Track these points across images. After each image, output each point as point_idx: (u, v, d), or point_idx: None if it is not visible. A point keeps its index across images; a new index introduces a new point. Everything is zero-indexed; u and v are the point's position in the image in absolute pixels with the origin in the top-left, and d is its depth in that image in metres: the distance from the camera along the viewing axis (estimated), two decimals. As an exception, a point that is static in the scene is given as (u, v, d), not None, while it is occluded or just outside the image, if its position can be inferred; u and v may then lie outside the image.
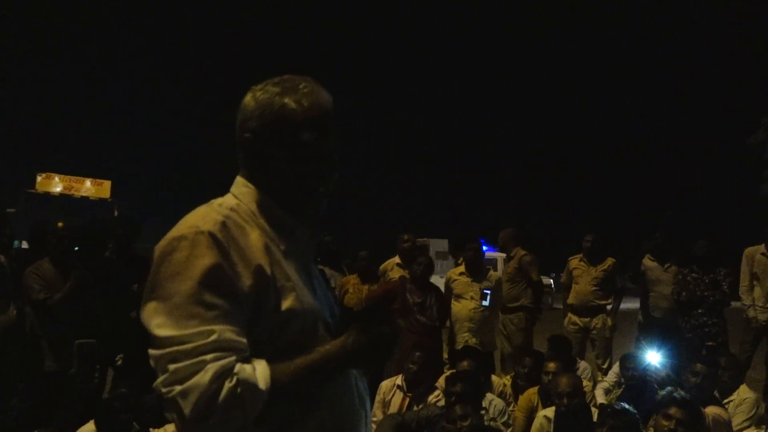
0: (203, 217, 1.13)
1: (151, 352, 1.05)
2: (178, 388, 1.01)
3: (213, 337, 1.03)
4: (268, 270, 1.12)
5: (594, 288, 6.15)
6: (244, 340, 1.07)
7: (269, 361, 1.07)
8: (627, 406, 3.06)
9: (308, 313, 1.16)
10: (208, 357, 1.01)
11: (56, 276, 3.92)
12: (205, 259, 1.06)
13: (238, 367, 1.03)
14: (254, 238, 1.14)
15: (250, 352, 1.07)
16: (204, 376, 1.00)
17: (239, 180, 1.24)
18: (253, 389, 1.03)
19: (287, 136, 1.18)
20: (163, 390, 1.03)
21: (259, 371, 1.05)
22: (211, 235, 1.08)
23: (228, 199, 1.21)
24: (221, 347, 1.03)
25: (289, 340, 1.12)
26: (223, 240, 1.09)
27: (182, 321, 1.03)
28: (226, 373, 1.02)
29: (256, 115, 1.19)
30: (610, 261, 6.24)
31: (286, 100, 1.18)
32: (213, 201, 1.21)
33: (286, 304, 1.13)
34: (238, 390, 1.02)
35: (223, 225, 1.11)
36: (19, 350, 4.03)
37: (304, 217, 1.24)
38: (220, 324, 1.04)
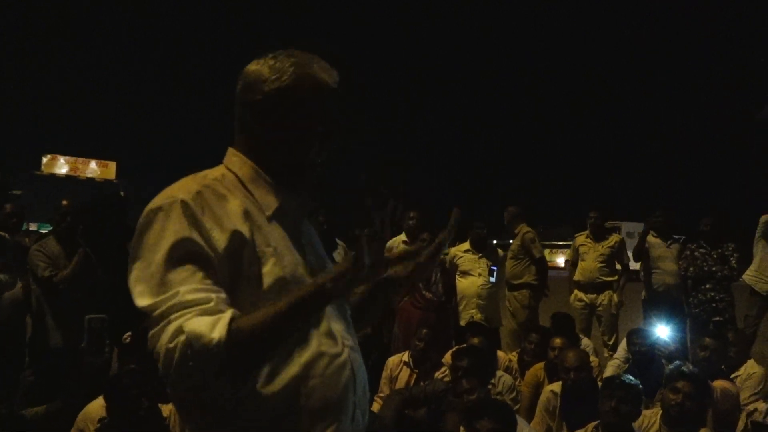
0: (180, 187, 1.17)
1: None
2: (155, 349, 1.04)
3: (176, 299, 1.04)
4: (247, 235, 1.14)
5: (600, 265, 6.14)
6: (213, 295, 1.06)
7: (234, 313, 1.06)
8: (631, 378, 3.06)
9: (290, 278, 1.16)
10: (172, 317, 1.03)
11: (61, 253, 3.94)
12: (177, 227, 1.09)
13: (190, 321, 1.02)
14: (234, 205, 1.17)
15: (224, 305, 1.06)
16: (164, 337, 1.02)
17: (230, 150, 1.29)
18: (200, 339, 1.00)
19: (296, 102, 1.23)
20: (153, 356, 1.06)
21: (214, 321, 1.02)
22: (183, 203, 1.12)
23: (215, 170, 1.25)
24: (183, 306, 1.03)
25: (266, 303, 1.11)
26: (195, 208, 1.12)
27: (155, 289, 1.06)
28: (179, 329, 1.02)
29: (272, 78, 1.23)
30: (615, 238, 6.22)
31: (299, 70, 1.24)
32: (201, 172, 1.24)
33: (265, 269, 1.14)
34: (187, 342, 1.00)
35: (198, 194, 1.14)
36: (26, 326, 4.07)
37: (298, 184, 1.28)
38: (187, 285, 1.06)
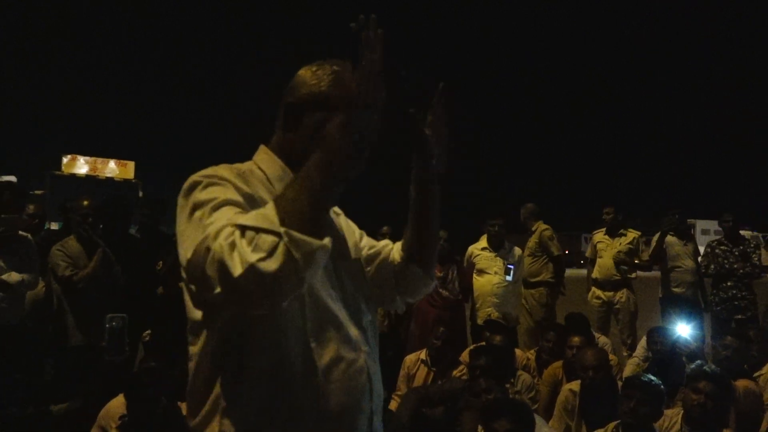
0: (217, 168, 1.18)
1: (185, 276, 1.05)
2: (199, 273, 0.97)
3: (211, 228, 0.98)
4: None
5: (611, 261, 6.09)
6: (244, 207, 1.06)
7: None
8: (653, 378, 3.02)
9: (312, 283, 1.11)
10: (210, 238, 0.96)
11: (81, 253, 3.99)
12: (219, 190, 1.09)
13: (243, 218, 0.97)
14: (261, 198, 1.16)
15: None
16: (219, 238, 0.95)
17: (261, 148, 1.30)
18: (265, 223, 0.94)
19: (330, 110, 1.20)
20: (196, 291, 1.03)
21: (267, 212, 0.97)
22: (223, 177, 1.13)
23: (244, 165, 1.26)
24: (222, 226, 0.97)
25: None
26: (234, 180, 1.13)
27: (199, 237, 1.00)
28: (233, 228, 0.96)
29: (310, 83, 1.25)
30: (633, 234, 6.14)
31: (338, 80, 1.24)
32: (232, 165, 1.24)
33: None
34: (249, 231, 0.94)
35: (236, 174, 1.16)
36: (47, 325, 4.13)
37: None
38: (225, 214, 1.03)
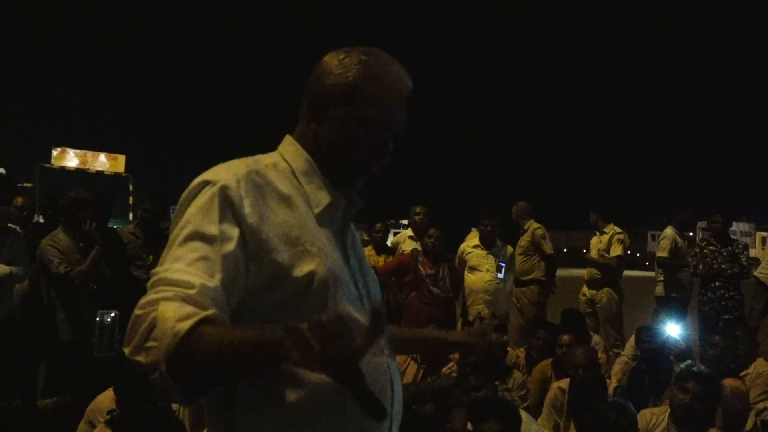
0: (228, 168, 1.11)
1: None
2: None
3: (164, 274, 0.97)
4: (292, 231, 1.09)
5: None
6: (198, 281, 0.96)
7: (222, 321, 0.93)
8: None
9: (332, 282, 1.09)
10: (153, 290, 0.96)
11: (71, 247, 3.95)
12: (205, 211, 1.04)
13: (168, 301, 0.92)
14: (283, 198, 1.12)
15: (210, 298, 0.96)
16: (140, 302, 0.95)
17: (287, 138, 1.24)
18: (165, 323, 0.89)
19: (357, 102, 1.16)
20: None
21: (189, 313, 0.89)
22: (223, 189, 1.06)
23: (269, 156, 1.20)
24: (167, 282, 0.96)
25: (303, 306, 1.06)
26: (234, 196, 1.06)
27: (167, 262, 1.01)
28: (153, 301, 0.94)
29: (336, 73, 1.17)
30: (611, 230, 6.18)
31: (366, 70, 1.17)
32: (255, 156, 1.19)
33: (308, 269, 1.07)
34: (153, 318, 0.91)
35: (244, 180, 1.08)
36: (37, 319, 4.10)
37: (348, 186, 1.22)
38: (180, 263, 0.99)
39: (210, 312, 0.91)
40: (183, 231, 1.03)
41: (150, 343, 0.90)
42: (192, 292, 0.95)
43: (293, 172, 1.17)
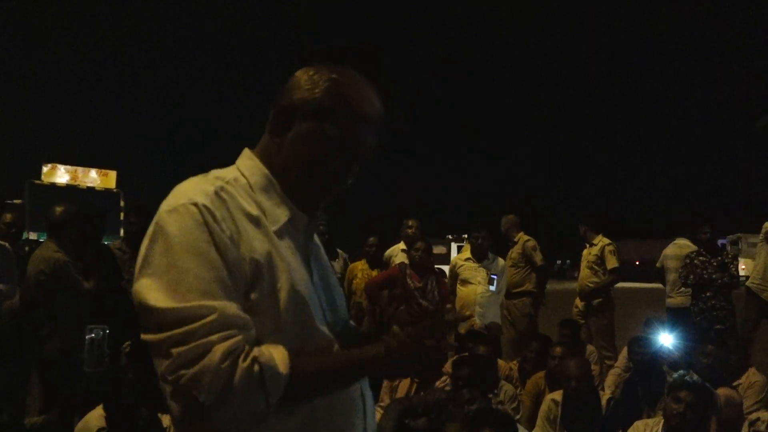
0: (194, 187, 1.09)
1: (149, 337, 1.00)
2: (186, 372, 0.95)
3: (214, 315, 0.97)
4: (264, 248, 1.08)
5: (588, 271, 6.16)
6: (247, 317, 1.02)
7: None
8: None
9: (300, 298, 1.10)
10: (214, 337, 0.96)
11: (70, 262, 3.91)
12: (196, 232, 1.02)
13: (255, 350, 1.00)
14: (248, 213, 1.10)
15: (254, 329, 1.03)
16: (213, 357, 0.95)
17: (246, 152, 1.21)
18: (273, 370, 0.99)
19: (322, 121, 1.15)
20: (170, 378, 0.97)
21: (277, 355, 1.02)
22: (203, 207, 1.05)
23: (227, 172, 1.17)
24: (226, 325, 0.98)
25: (283, 323, 1.07)
26: (215, 211, 1.05)
27: (181, 294, 0.98)
28: (236, 352, 0.97)
29: (304, 88, 1.16)
30: (601, 241, 6.21)
31: (334, 88, 1.16)
32: (211, 172, 1.17)
33: (280, 285, 1.08)
34: (255, 369, 0.98)
35: (216, 195, 1.08)
36: (25, 335, 4.04)
37: (304, 203, 1.19)
38: (221, 300, 0.99)
39: (281, 347, 1.05)
40: (178, 257, 1.02)
41: (258, 394, 1.01)
42: (252, 332, 1.05)
43: (251, 187, 1.15)
